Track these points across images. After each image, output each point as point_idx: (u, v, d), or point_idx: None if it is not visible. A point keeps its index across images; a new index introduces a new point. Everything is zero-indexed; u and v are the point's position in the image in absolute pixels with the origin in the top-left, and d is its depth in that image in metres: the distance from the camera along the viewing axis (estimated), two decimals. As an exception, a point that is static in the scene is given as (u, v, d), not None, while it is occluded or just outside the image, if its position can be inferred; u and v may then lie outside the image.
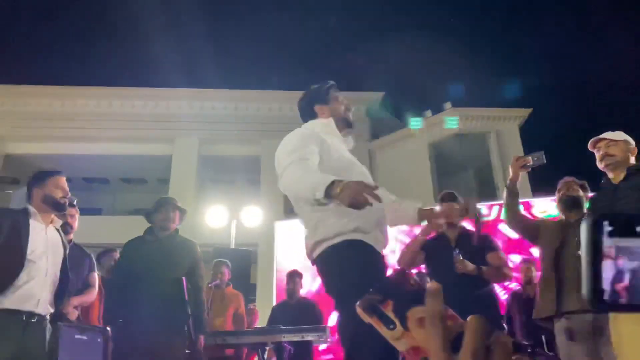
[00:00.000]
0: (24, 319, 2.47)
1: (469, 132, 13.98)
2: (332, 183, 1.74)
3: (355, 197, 1.67)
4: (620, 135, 2.62)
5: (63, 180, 2.78)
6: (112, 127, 13.72)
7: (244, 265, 7.92)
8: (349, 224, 1.94)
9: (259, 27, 28.43)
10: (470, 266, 3.16)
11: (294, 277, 5.15)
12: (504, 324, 3.32)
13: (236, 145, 14.04)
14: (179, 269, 3.45)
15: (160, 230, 3.55)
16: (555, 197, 3.20)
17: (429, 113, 14.51)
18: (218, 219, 9.08)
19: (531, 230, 3.17)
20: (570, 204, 3.04)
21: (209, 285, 4.65)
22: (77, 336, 2.79)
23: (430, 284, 0.45)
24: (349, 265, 1.90)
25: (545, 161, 3.02)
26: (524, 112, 14.37)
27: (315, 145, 2.04)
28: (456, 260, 3.17)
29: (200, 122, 13.94)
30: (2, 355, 2.36)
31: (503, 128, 14.11)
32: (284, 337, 3.96)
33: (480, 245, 3.32)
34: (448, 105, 14.32)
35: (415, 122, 13.70)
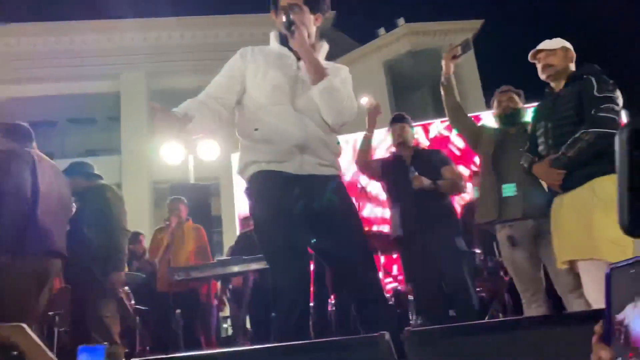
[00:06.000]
0: None
1: (423, 48, 13.83)
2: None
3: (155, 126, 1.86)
4: (557, 43, 2.54)
5: None
6: (51, 66, 12.90)
7: (204, 200, 7.89)
8: (252, 157, 2.04)
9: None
10: (426, 181, 3.25)
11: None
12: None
13: (186, 77, 13.45)
14: None
15: None
16: (494, 110, 3.11)
17: (382, 31, 14.22)
18: (174, 154, 8.84)
19: (473, 131, 3.15)
20: (512, 118, 2.99)
21: (165, 224, 4.62)
22: None
23: None
24: (250, 197, 2.05)
25: (472, 47, 3.00)
26: (476, 24, 14.26)
27: (232, 71, 2.13)
28: (412, 178, 3.26)
29: (145, 55, 13.24)
30: None
31: (456, 41, 13.98)
32: (250, 266, 4.03)
33: (434, 161, 3.47)
34: (401, 21, 14.05)
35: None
